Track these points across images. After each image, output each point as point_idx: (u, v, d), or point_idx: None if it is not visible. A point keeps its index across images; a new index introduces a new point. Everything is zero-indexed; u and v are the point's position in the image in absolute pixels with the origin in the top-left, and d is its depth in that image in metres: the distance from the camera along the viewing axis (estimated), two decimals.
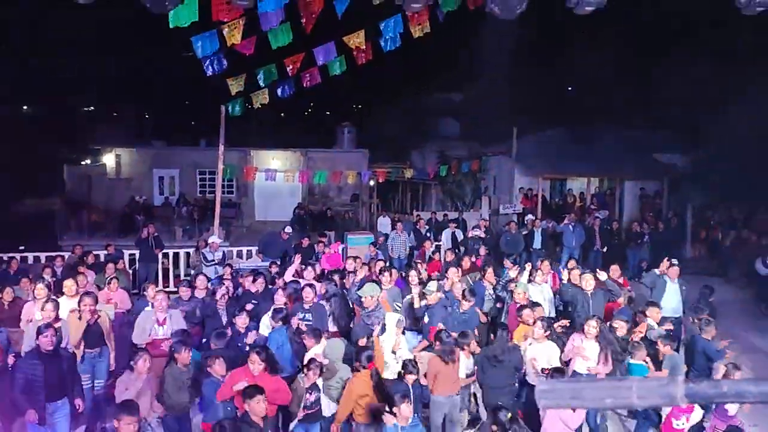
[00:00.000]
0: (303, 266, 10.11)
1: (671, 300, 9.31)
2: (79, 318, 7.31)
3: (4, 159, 27.66)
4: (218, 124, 13.68)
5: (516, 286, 8.79)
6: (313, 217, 21.49)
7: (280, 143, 25.87)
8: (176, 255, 14.19)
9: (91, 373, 7.35)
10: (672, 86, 19.60)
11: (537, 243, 14.54)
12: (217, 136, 14.20)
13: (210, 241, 12.87)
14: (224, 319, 8.22)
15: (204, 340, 8.03)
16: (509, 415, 5.40)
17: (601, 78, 22.96)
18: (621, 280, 10.02)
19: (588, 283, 8.58)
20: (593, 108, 23.93)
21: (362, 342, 6.95)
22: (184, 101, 39.06)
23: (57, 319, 7.21)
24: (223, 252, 12.85)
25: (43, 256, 13.50)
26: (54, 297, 7.81)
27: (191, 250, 13.55)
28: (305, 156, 24.82)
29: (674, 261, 9.76)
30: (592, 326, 7.16)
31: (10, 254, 12.39)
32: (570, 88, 29.27)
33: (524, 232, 14.83)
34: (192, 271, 12.87)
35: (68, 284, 8.14)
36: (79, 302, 7.43)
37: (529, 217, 16.15)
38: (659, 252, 12.90)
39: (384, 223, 18.41)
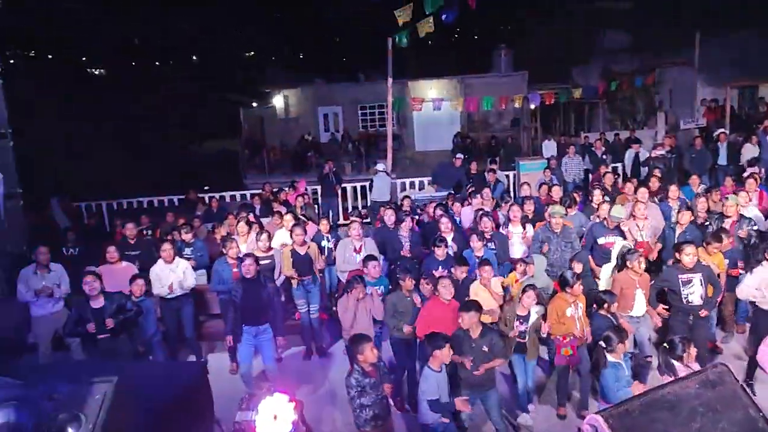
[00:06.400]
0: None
1: None
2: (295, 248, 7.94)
3: (182, 108, 30.48)
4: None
5: (728, 199, 7.97)
6: (474, 144, 21.34)
7: (433, 73, 25.58)
8: (354, 189, 14.89)
9: (305, 299, 7.95)
10: None
11: (722, 159, 13.31)
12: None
13: (376, 168, 13.54)
14: (405, 247, 8.27)
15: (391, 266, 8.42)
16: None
17: None
18: None
19: None
20: None
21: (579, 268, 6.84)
22: (335, 38, 39.69)
23: (269, 249, 8.01)
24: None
25: (238, 194, 14.93)
26: (260, 231, 8.30)
27: (367, 184, 14.19)
28: (462, 83, 24.37)
29: None
30: None
31: (211, 194, 13.75)
32: None
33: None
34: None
35: (288, 218, 8.90)
36: (291, 233, 8.09)
37: (719, 130, 14.68)
38: None
39: (549, 146, 17.78)
